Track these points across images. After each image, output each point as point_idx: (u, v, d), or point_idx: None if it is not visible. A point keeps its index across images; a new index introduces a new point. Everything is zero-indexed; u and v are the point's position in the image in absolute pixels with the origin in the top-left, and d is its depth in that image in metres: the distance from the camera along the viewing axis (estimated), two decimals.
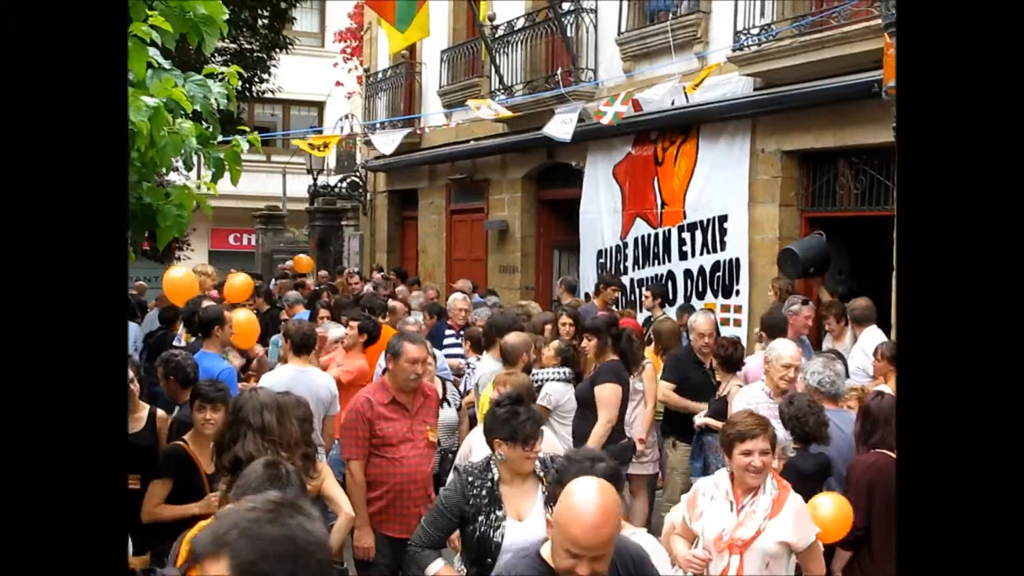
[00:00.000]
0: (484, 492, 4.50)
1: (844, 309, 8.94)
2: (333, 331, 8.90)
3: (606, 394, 7.11)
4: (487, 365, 7.80)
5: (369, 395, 5.98)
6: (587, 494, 3.09)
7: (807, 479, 5.49)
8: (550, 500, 4.00)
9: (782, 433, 5.73)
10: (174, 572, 3.54)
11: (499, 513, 4.44)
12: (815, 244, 10.56)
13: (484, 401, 7.39)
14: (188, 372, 6.26)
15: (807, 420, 5.63)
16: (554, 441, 5.73)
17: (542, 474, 4.53)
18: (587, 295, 12.84)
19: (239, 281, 11.40)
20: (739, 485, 4.59)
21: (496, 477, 4.53)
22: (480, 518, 4.46)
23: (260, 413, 4.50)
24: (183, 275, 9.49)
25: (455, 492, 4.56)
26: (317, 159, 21.85)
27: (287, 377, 7.08)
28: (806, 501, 5.32)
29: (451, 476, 4.82)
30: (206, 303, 8.78)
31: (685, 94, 11.71)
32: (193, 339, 8.54)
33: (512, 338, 7.23)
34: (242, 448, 4.39)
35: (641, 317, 11.03)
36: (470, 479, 4.54)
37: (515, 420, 4.49)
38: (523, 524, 4.42)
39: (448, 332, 10.52)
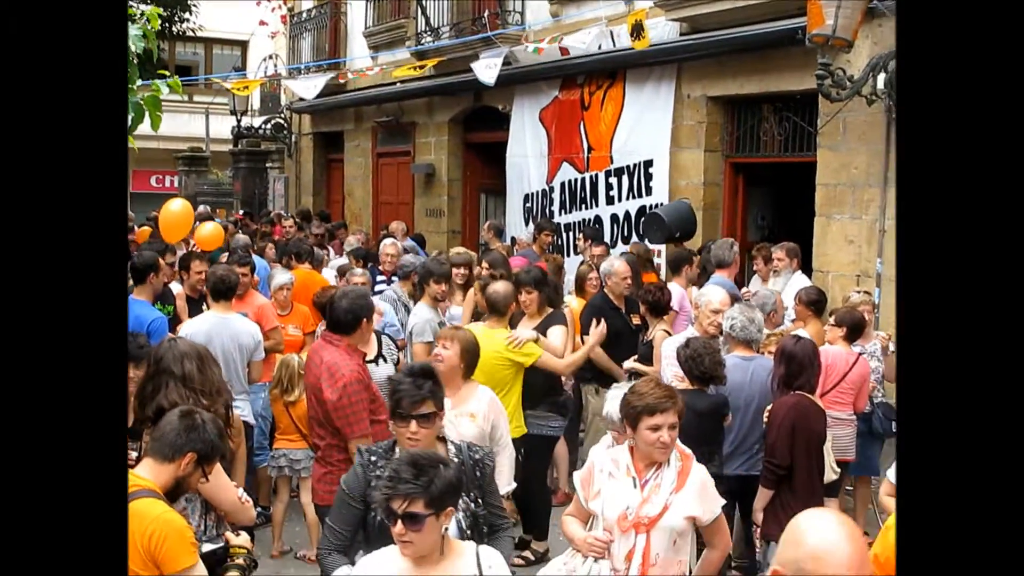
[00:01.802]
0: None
1: (771, 252, 9.08)
2: (279, 277, 8.84)
3: (558, 334, 7.13)
4: (421, 313, 7.68)
5: (352, 361, 5.38)
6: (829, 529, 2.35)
7: (703, 418, 5.56)
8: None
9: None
10: None
11: None
12: (682, 209, 10.61)
13: (417, 351, 7.39)
14: None
15: (702, 360, 5.72)
16: (501, 427, 5.43)
17: (457, 461, 3.93)
18: (513, 239, 12.86)
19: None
20: (642, 459, 4.20)
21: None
22: None
23: (181, 362, 4.50)
24: (180, 208, 9.10)
25: (355, 476, 4.04)
26: (241, 100, 21.47)
27: (208, 324, 7.03)
28: (704, 439, 5.29)
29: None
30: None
31: (612, 39, 11.70)
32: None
33: (500, 287, 6.92)
34: (165, 397, 4.39)
35: (573, 261, 11.06)
36: (372, 458, 4.03)
37: (396, 394, 4.04)
38: None
39: (379, 279, 10.16)
